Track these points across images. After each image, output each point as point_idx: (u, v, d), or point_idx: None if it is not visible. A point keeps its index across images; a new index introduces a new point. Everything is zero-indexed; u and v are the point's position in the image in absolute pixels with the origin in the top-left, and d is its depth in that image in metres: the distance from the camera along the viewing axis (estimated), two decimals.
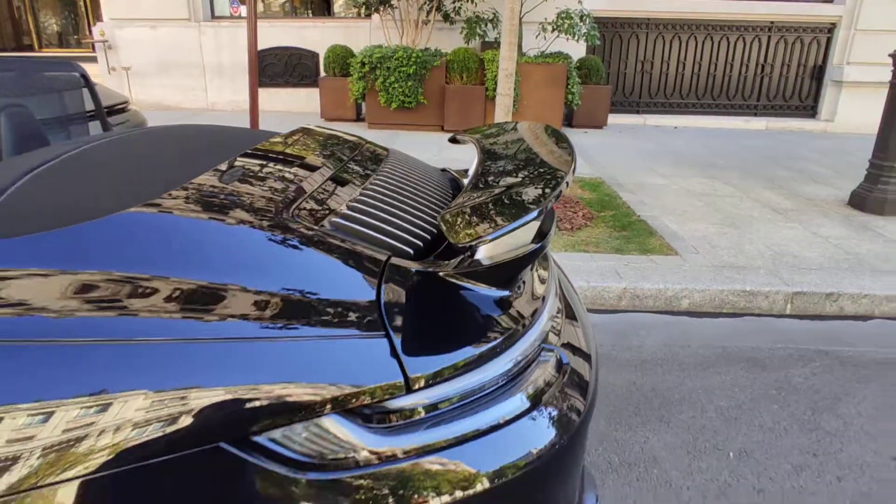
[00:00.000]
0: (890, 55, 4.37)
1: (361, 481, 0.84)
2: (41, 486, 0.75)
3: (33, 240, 0.90)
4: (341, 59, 7.50)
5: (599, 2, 8.00)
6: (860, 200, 4.57)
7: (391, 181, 1.41)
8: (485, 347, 0.96)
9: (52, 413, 0.76)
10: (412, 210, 1.28)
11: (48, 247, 0.89)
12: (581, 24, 6.95)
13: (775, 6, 8.20)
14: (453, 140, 1.92)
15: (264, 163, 1.33)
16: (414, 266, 1.05)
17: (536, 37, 7.26)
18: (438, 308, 1.01)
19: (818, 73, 8.54)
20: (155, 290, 0.87)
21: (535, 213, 1.00)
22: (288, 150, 1.48)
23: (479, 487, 0.91)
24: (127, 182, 1.13)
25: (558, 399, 1.05)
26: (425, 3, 7.48)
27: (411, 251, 1.11)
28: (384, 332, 0.90)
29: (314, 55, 8.35)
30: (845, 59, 8.20)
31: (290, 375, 0.83)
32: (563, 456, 1.02)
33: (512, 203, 1.09)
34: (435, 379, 0.90)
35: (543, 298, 1.17)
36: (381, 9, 7.42)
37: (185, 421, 0.78)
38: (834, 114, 8.37)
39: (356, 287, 0.97)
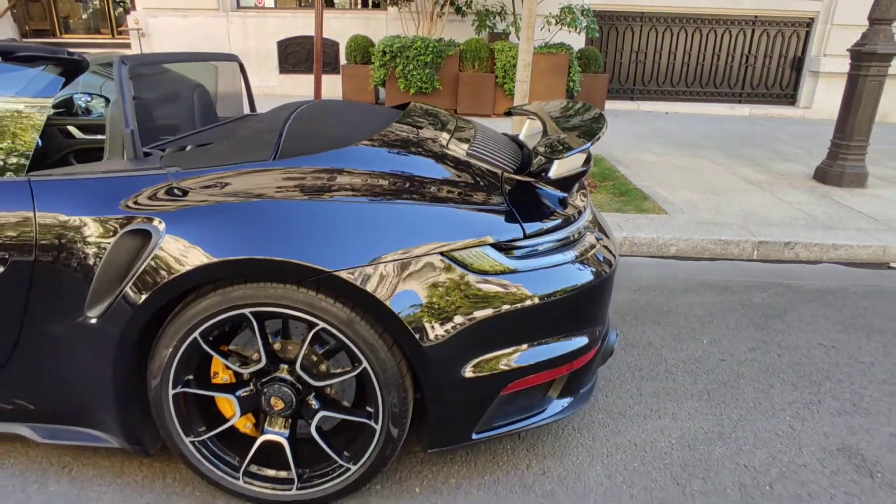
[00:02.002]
0: (848, 50, 5.13)
1: (504, 279, 1.58)
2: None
3: (319, 157, 1.64)
4: (362, 48, 8.18)
5: None
6: (822, 174, 5.36)
7: (487, 135, 2.16)
8: (558, 221, 1.71)
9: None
10: (500, 151, 2.03)
11: (328, 159, 1.64)
12: (582, 18, 7.67)
13: (759, 1, 8.95)
14: (509, 113, 2.67)
15: (416, 120, 2.08)
16: (516, 176, 1.81)
17: (541, 29, 7.97)
18: (532, 198, 1.76)
19: (797, 64, 9.32)
20: (386, 179, 1.62)
21: (588, 144, 1.74)
22: (425, 112, 2.24)
23: (555, 294, 1.66)
24: (342, 130, 1.87)
25: (596, 259, 1.80)
26: None
27: (511, 168, 1.88)
28: (510, 209, 1.65)
29: (334, 44, 9.00)
30: (822, 51, 8.98)
31: (469, 222, 1.58)
32: (597, 290, 1.77)
33: (575, 140, 1.84)
34: (536, 234, 1.65)
35: (585, 207, 1.92)
36: (400, 2, 8.09)
37: (427, 237, 1.52)
38: (812, 101, 9.16)
39: (492, 184, 1.72)
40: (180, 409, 1.60)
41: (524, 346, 1.65)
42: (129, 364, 1.57)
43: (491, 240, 1.59)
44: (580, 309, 1.74)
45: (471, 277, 1.55)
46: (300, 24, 8.91)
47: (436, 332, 1.52)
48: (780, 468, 1.96)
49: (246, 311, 1.49)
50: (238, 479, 1.66)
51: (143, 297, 1.47)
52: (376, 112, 2.20)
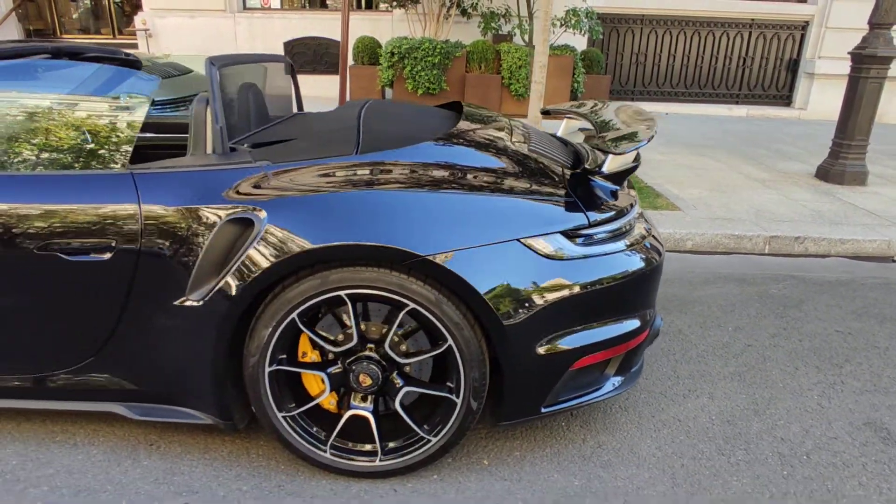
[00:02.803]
0: (849, 53, 5.34)
1: (572, 264, 1.73)
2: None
3: (397, 152, 1.78)
4: (370, 49, 8.30)
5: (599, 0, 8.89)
6: (824, 173, 5.57)
7: (539, 133, 2.30)
8: (615, 212, 1.86)
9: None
10: (555, 148, 2.18)
11: (407, 154, 1.77)
12: (586, 20, 7.85)
13: (755, 5, 9.18)
14: (545, 113, 2.81)
15: (475, 118, 2.22)
16: (574, 170, 1.95)
17: None
18: (591, 191, 1.90)
19: (793, 66, 9.57)
20: (464, 173, 1.76)
21: (645, 142, 1.89)
22: (478, 111, 2.37)
23: (614, 278, 1.80)
24: (411, 127, 2.01)
25: (647, 247, 1.95)
26: None
27: (567, 163, 2.02)
28: (575, 200, 1.79)
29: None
30: (817, 53, 9.24)
31: (541, 212, 1.72)
32: (649, 276, 1.92)
33: (631, 137, 1.97)
34: (597, 223, 1.80)
35: (635, 200, 2.07)
36: (407, 4, 8.22)
37: (506, 225, 1.66)
38: (807, 102, 9.41)
39: (556, 177, 1.86)
40: (274, 386, 1.73)
41: (590, 326, 1.79)
42: (228, 344, 1.69)
43: (560, 228, 1.73)
44: (635, 293, 1.89)
45: (544, 262, 1.70)
46: (307, 25, 9.02)
47: (515, 311, 1.66)
48: (814, 441, 2.12)
49: (342, 293, 1.62)
50: (325, 451, 1.78)
51: (248, 280, 1.60)
52: (432, 111, 2.34)
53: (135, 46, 9.04)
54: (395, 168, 1.73)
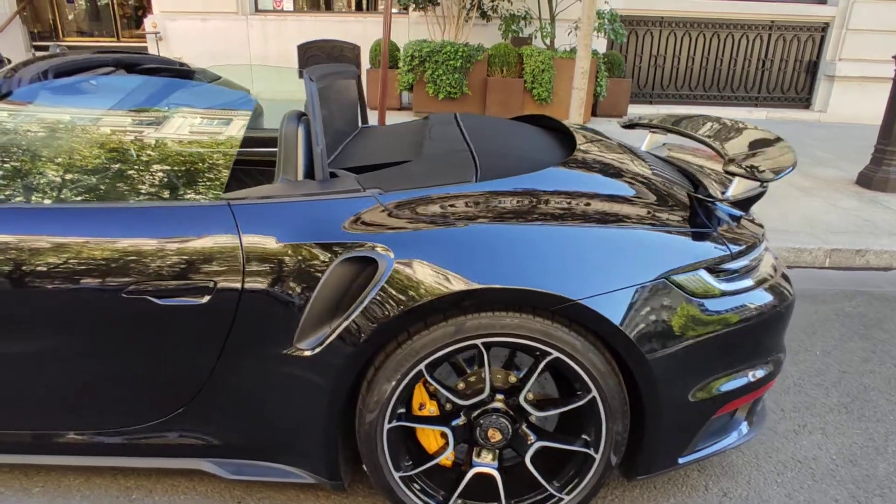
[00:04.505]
0: (893, 56, 5.21)
1: (719, 302, 1.55)
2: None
3: (522, 179, 1.60)
4: (387, 53, 8.10)
5: (618, 2, 8.73)
6: (867, 179, 5.43)
7: (650, 154, 2.13)
8: (748, 244, 1.68)
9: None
10: (672, 170, 2.01)
11: (532, 181, 1.60)
12: (610, 24, 7.70)
13: (775, 7, 9.06)
14: (629, 126, 2.64)
15: (586, 138, 2.04)
16: (701, 196, 1.78)
17: (568, 34, 7.98)
18: (722, 219, 1.73)
19: (812, 68, 9.46)
20: (601, 203, 1.58)
21: (791, 168, 1.72)
22: (583, 129, 2.20)
23: (758, 316, 1.62)
24: (525, 149, 1.83)
25: (774, 285, 1.76)
26: (468, 0, 8.12)
27: (693, 187, 1.85)
28: (715, 230, 1.62)
29: (355, 47, 8.91)
30: (837, 55, 9.13)
31: (684, 245, 1.55)
32: (784, 315, 1.74)
33: (776, 160, 1.77)
34: (738, 255, 1.63)
35: (763, 227, 1.90)
36: (428, 6, 8.04)
37: (652, 261, 1.48)
38: (826, 105, 9.30)
39: (687, 205, 1.69)
40: (392, 443, 1.55)
41: (737, 370, 1.62)
42: (344, 399, 1.51)
43: (705, 262, 1.57)
44: (775, 331, 1.73)
45: (692, 301, 1.53)
46: (321, 27, 8.80)
47: (666, 357, 1.49)
48: None
49: (478, 341, 1.44)
50: None
51: (372, 329, 1.42)
52: (528, 128, 2.16)
53: (144, 50, 8.80)
54: (527, 198, 1.56)
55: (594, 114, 8.74)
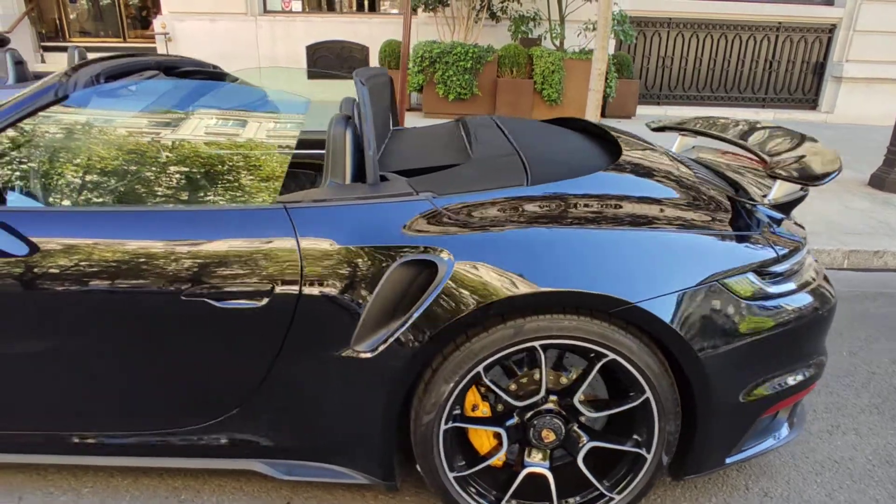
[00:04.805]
0: None
1: (768, 304, 1.57)
2: None
3: (574, 183, 1.62)
4: (396, 54, 8.11)
5: (627, 3, 8.76)
6: (879, 181, 5.46)
7: (687, 157, 2.15)
8: (793, 247, 1.70)
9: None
10: (712, 173, 2.02)
11: (584, 185, 1.61)
12: (619, 25, 7.72)
13: (783, 8, 9.08)
14: (659, 129, 2.66)
15: (629, 142, 2.05)
16: (744, 199, 1.79)
17: (578, 35, 8.01)
18: (765, 222, 1.75)
19: (819, 70, 9.49)
20: (652, 207, 1.60)
21: (837, 172, 1.73)
22: (621, 133, 2.21)
23: (802, 318, 1.63)
24: (571, 153, 1.84)
25: (817, 288, 1.77)
26: (478, 1, 8.14)
27: (734, 190, 1.86)
28: (760, 233, 1.64)
29: (364, 48, 8.93)
30: (844, 56, 9.16)
31: (733, 248, 1.56)
32: (827, 317, 1.75)
33: (822, 164, 1.78)
34: (784, 258, 1.64)
35: (805, 234, 1.92)
36: (438, 7, 8.06)
37: (705, 264, 1.50)
38: (833, 106, 9.33)
39: (732, 208, 1.70)
40: (447, 444, 1.57)
41: (783, 371, 1.64)
42: (402, 400, 1.53)
43: (753, 265, 1.58)
44: (818, 333, 1.75)
45: (743, 303, 1.55)
46: (330, 28, 8.82)
47: (719, 358, 1.51)
48: None
49: (536, 343, 1.46)
50: None
51: (433, 331, 1.43)
52: (564, 131, 2.17)
53: (153, 51, 8.81)
54: (580, 202, 1.58)
55: (603, 115, 8.75)
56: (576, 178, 1.65)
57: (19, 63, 4.24)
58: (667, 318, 1.44)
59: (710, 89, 9.60)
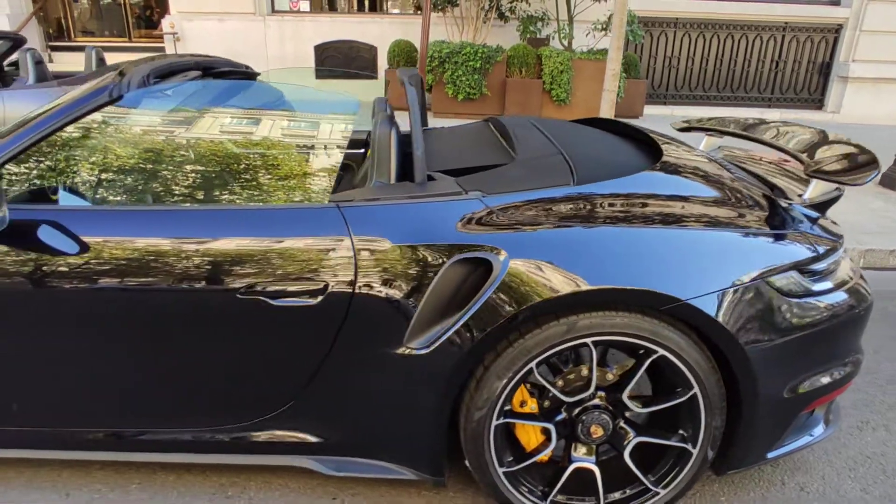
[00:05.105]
0: None
1: (810, 301, 1.59)
2: None
3: (619, 182, 1.64)
4: (406, 53, 8.14)
5: (634, 3, 8.77)
6: (890, 181, 5.49)
7: (719, 156, 2.18)
8: (831, 245, 1.72)
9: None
10: (746, 173, 2.05)
11: (629, 185, 1.64)
12: (628, 25, 7.74)
13: (789, 8, 9.12)
14: (685, 130, 2.69)
15: (666, 141, 2.06)
16: (781, 198, 1.82)
17: (586, 35, 8.03)
18: (803, 221, 1.76)
19: (826, 69, 9.52)
20: (697, 206, 1.62)
21: (877, 172, 1.75)
22: (656, 133, 2.23)
23: (842, 315, 1.65)
24: (607, 152, 1.87)
25: (855, 286, 1.79)
26: (487, 1, 8.17)
27: (770, 189, 1.89)
28: (801, 232, 1.66)
29: (372, 48, 8.94)
30: (851, 56, 9.19)
31: (777, 247, 1.59)
32: (864, 315, 1.77)
33: (851, 167, 1.81)
34: (824, 256, 1.66)
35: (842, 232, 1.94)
36: (447, 7, 8.08)
37: (751, 263, 1.52)
38: (840, 106, 9.36)
39: (771, 207, 1.73)
40: (497, 440, 1.59)
41: (823, 368, 1.67)
42: (455, 397, 1.55)
43: (796, 263, 1.61)
44: (856, 331, 1.77)
45: (787, 301, 1.57)
46: (338, 28, 8.84)
47: (765, 354, 1.54)
48: None
49: (588, 340, 1.48)
50: None
51: (488, 328, 1.46)
52: (601, 132, 2.20)
53: (162, 51, 8.82)
54: (629, 201, 1.60)
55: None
56: (621, 178, 1.67)
57: (39, 63, 4.26)
58: (715, 315, 1.47)
59: (716, 89, 9.62)
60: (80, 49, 10.59)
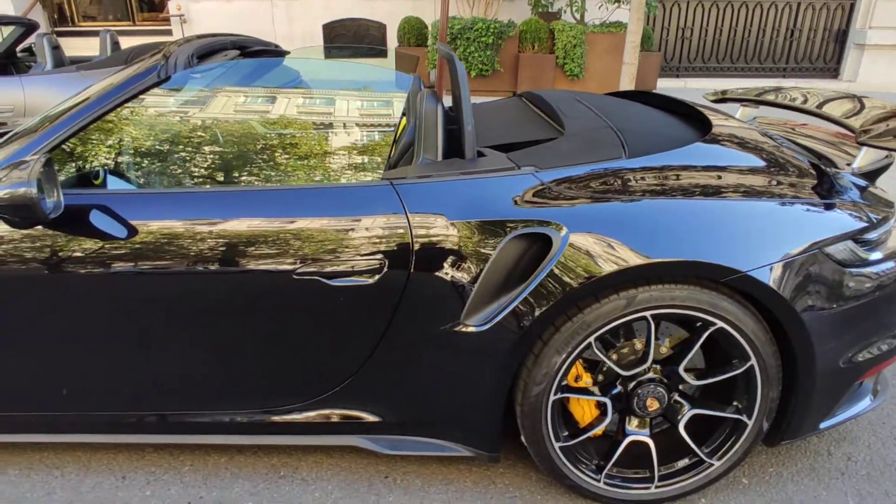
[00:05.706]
0: None
1: (866, 270, 1.58)
2: None
3: (671, 155, 1.62)
4: (416, 30, 8.03)
5: None
6: None
7: (764, 126, 2.15)
8: (883, 216, 1.69)
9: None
10: (792, 145, 2.02)
11: (682, 157, 1.62)
12: None
13: None
14: (719, 101, 2.64)
15: (711, 111, 2.03)
16: (829, 167, 1.79)
17: (599, 8, 7.89)
18: (854, 189, 1.74)
19: (842, 37, 9.34)
20: (751, 177, 1.60)
21: None
22: (694, 105, 2.21)
23: (888, 281, 1.62)
24: (655, 124, 1.84)
25: None
26: None
27: (818, 159, 1.86)
28: (853, 200, 1.64)
29: (381, 26, 8.82)
30: (868, 23, 9.00)
31: (831, 216, 1.57)
32: None
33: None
34: (878, 224, 1.64)
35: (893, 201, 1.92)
36: None
37: (806, 233, 1.50)
38: (856, 74, 9.20)
39: (822, 176, 1.70)
40: (554, 415, 1.60)
41: (877, 338, 1.66)
42: (514, 373, 1.55)
43: (851, 232, 1.59)
44: None
45: (844, 270, 1.56)
46: (347, 6, 8.72)
47: (823, 324, 1.53)
48: None
49: (647, 313, 1.48)
50: (599, 481, 1.66)
51: (548, 304, 1.45)
52: (641, 106, 2.17)
53: (168, 33, 8.75)
54: (683, 173, 1.58)
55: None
56: (673, 150, 1.65)
57: (56, 48, 4.22)
58: (775, 286, 1.46)
59: (730, 60, 9.47)
60: (85, 34, 10.49)
